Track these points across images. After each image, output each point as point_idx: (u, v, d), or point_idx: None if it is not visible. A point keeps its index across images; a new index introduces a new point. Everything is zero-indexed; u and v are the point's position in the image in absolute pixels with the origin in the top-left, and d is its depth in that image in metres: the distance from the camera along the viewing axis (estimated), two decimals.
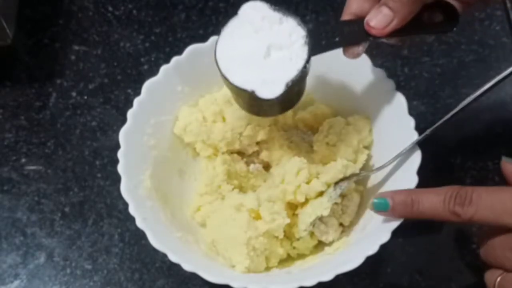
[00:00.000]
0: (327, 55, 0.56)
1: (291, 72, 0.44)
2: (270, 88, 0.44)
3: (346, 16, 0.47)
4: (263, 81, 0.44)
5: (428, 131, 0.49)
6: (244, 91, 0.44)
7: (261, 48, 0.45)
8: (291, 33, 0.45)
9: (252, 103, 0.48)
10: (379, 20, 0.44)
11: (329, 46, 0.46)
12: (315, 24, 0.66)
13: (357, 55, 0.48)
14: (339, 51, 0.55)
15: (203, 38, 0.55)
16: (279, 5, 0.45)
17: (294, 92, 0.47)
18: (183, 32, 0.68)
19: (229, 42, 0.45)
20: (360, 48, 0.47)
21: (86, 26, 0.68)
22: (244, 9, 0.45)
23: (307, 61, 0.45)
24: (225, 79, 0.45)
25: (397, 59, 0.65)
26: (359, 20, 0.46)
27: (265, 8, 0.45)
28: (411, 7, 0.44)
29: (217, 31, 0.47)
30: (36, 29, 0.67)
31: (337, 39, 0.46)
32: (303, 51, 0.45)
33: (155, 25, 0.68)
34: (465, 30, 0.66)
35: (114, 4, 0.69)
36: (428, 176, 0.51)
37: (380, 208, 0.46)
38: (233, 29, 0.45)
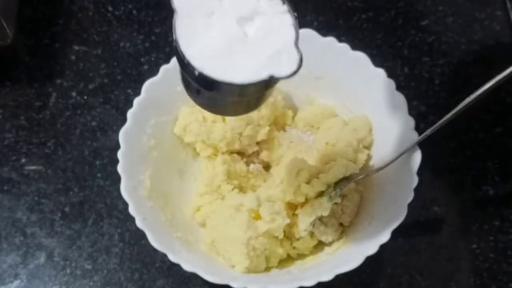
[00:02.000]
0: (327, 56, 0.56)
1: (289, 33, 0.37)
2: (285, 60, 0.36)
3: None
4: (270, 58, 0.36)
5: (428, 131, 0.49)
6: (258, 83, 0.36)
7: (231, 28, 0.37)
8: None
9: (240, 99, 0.39)
10: None
11: None
12: None
13: None
14: (339, 51, 0.55)
15: None
16: None
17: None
18: None
19: (193, 42, 0.36)
20: None
21: (86, 26, 0.68)
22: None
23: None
24: (228, 84, 0.36)
25: (397, 59, 0.65)
26: None
27: None
28: None
29: None
30: (36, 29, 0.67)
31: None
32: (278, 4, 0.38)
33: (155, 25, 0.68)
34: (465, 30, 0.66)
35: (114, 4, 0.69)
36: (428, 176, 0.51)
37: None
38: (183, 28, 0.36)
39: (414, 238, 0.56)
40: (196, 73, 0.36)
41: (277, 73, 0.36)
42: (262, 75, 0.36)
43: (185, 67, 0.36)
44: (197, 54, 0.36)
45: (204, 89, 0.38)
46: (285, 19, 0.38)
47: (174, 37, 0.36)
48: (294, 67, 0.36)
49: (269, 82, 0.37)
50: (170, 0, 0.36)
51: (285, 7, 0.38)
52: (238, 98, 0.39)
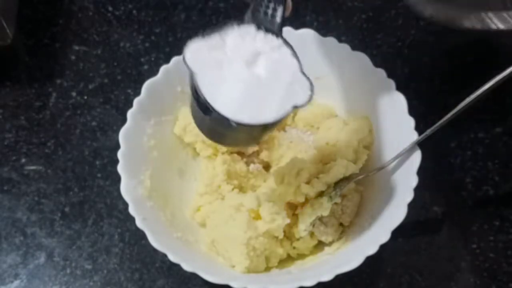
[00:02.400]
0: (327, 56, 0.56)
1: (293, 63, 0.40)
2: (299, 89, 0.40)
3: None
4: (286, 91, 0.39)
5: (428, 131, 0.49)
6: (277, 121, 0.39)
7: (243, 74, 0.39)
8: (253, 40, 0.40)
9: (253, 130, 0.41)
10: None
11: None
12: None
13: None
14: (339, 51, 0.55)
15: None
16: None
17: None
18: (183, 32, 0.68)
19: (217, 96, 0.38)
20: None
21: (86, 26, 0.68)
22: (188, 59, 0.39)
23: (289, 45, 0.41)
24: (260, 125, 0.39)
25: (397, 59, 0.65)
26: None
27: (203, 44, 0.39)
28: None
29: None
30: (36, 29, 0.67)
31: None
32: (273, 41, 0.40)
33: (155, 25, 0.68)
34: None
35: (114, 4, 0.69)
36: (428, 176, 0.51)
37: None
38: (204, 84, 0.39)
39: (414, 238, 0.56)
40: (234, 124, 0.38)
41: (297, 102, 0.39)
42: (287, 108, 0.39)
43: (219, 120, 0.38)
44: (224, 106, 0.38)
45: (231, 132, 0.41)
46: (284, 51, 0.41)
47: (198, 94, 0.38)
48: (308, 93, 0.39)
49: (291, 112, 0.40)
50: (184, 62, 0.39)
51: (280, 41, 0.41)
52: (261, 133, 0.43)
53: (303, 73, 0.40)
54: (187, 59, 0.39)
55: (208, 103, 0.38)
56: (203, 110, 0.39)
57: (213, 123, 0.40)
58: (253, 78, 0.39)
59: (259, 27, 0.40)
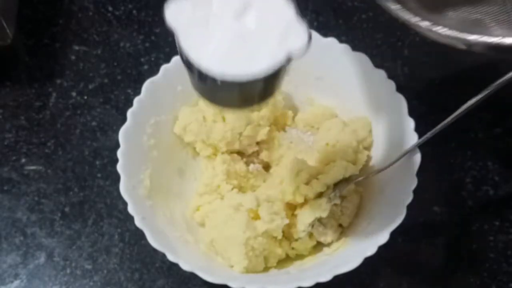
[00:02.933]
0: (327, 56, 0.56)
1: (287, 11, 0.37)
2: (294, 36, 0.36)
3: None
4: (280, 40, 0.36)
5: (428, 134, 0.49)
6: (278, 70, 0.36)
7: (232, 27, 0.37)
8: None
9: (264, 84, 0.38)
10: None
11: None
12: None
13: None
14: (339, 52, 0.55)
15: None
16: None
17: None
18: None
19: (203, 53, 0.36)
20: None
21: (86, 26, 0.68)
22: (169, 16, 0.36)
23: None
24: (253, 80, 0.36)
25: (397, 59, 0.64)
26: None
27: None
28: None
29: None
30: (36, 29, 0.67)
31: None
32: None
33: (155, 25, 0.68)
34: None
35: (114, 4, 0.69)
36: (428, 177, 0.51)
37: None
38: (188, 43, 0.36)
39: (414, 238, 0.56)
40: (219, 83, 0.35)
41: (292, 50, 0.35)
42: (280, 57, 0.35)
43: (203, 78, 0.36)
44: (211, 63, 0.35)
45: (225, 91, 0.38)
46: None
47: (183, 56, 0.36)
48: (305, 38, 0.36)
49: (286, 64, 0.36)
50: (165, 21, 0.36)
51: None
52: (257, 91, 0.39)
53: (299, 20, 0.36)
54: (168, 20, 0.36)
55: (190, 61, 0.35)
56: (190, 70, 0.37)
57: (203, 83, 0.38)
58: (241, 31, 0.36)
59: None
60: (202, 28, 0.37)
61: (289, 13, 0.37)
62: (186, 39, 0.36)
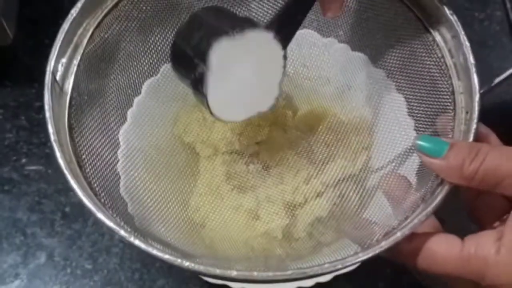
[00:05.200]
0: (327, 56, 0.56)
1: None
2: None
3: None
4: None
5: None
6: None
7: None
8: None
9: None
10: None
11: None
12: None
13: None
14: (339, 51, 0.55)
15: None
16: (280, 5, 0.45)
17: None
18: None
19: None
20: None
21: None
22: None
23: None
24: None
25: (397, 59, 0.64)
26: None
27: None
28: None
29: None
30: (36, 29, 0.67)
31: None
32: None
33: (155, 25, 0.68)
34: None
35: None
36: None
37: (432, 153, 0.39)
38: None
39: None
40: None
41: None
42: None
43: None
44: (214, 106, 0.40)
45: None
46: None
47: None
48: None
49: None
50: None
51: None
52: None
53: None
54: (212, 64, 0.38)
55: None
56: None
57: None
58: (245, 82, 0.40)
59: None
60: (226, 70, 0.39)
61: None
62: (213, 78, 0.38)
